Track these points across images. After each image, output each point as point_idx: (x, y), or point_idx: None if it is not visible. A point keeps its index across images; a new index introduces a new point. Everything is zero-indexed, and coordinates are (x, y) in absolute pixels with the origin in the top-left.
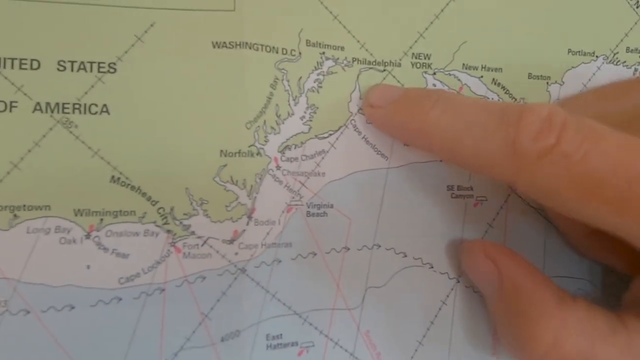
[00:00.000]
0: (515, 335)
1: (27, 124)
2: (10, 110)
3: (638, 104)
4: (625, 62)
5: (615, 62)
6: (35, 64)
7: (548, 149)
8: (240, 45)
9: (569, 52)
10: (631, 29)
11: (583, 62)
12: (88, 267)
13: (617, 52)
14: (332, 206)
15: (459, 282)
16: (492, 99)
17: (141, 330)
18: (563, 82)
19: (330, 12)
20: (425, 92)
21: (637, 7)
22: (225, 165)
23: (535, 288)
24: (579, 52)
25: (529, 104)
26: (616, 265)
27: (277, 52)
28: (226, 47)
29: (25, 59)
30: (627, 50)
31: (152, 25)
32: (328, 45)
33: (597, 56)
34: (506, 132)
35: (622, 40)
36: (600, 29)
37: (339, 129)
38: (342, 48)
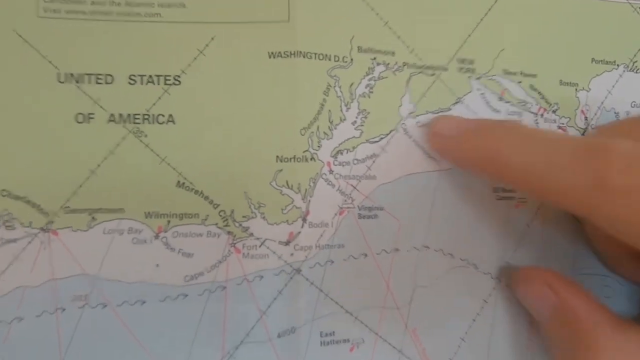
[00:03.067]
0: None
1: (103, 133)
2: (88, 122)
3: None
4: None
5: (635, 70)
6: (109, 79)
7: (638, 184)
8: (294, 54)
9: (592, 61)
10: None
11: (606, 71)
12: (157, 265)
13: (636, 61)
14: (382, 208)
15: (500, 281)
16: (530, 103)
17: (205, 324)
18: (590, 89)
19: (381, 19)
20: (499, 122)
21: None
22: (281, 170)
23: (592, 314)
24: (602, 61)
25: (611, 140)
26: None
27: (329, 60)
28: (281, 56)
29: (101, 74)
30: None
31: (212, 38)
32: (379, 51)
33: (618, 65)
34: (593, 165)
35: (639, 50)
36: (619, 40)
37: (389, 132)
38: (393, 53)
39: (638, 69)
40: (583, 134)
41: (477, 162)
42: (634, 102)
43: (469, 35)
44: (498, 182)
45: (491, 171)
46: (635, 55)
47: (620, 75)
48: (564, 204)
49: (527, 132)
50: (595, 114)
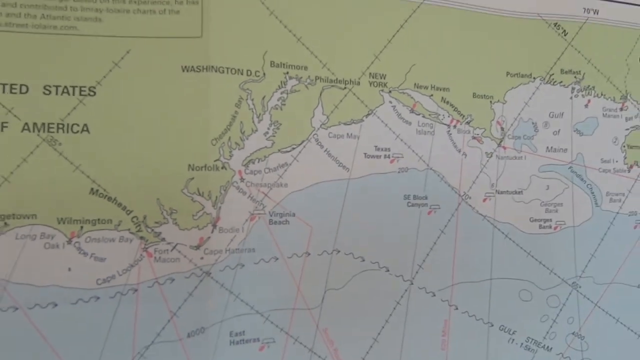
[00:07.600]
0: None
1: (17, 142)
2: (2, 130)
3: None
4: (561, 82)
5: (552, 83)
6: (24, 89)
7: None
8: (207, 68)
9: (507, 74)
10: (562, 53)
11: (522, 84)
12: (69, 269)
13: (553, 74)
14: (294, 215)
15: (412, 284)
16: (442, 115)
17: (117, 325)
18: (505, 101)
19: (294, 35)
20: None
21: (565, 35)
22: (192, 179)
23: None
24: (517, 74)
25: None
26: None
27: (242, 74)
28: (194, 70)
29: (15, 84)
30: (562, 72)
31: (128, 52)
32: (292, 66)
33: (534, 78)
34: None
35: (555, 64)
36: (534, 54)
37: (301, 143)
38: (306, 68)
39: (555, 81)
40: (499, 144)
41: None
42: (552, 112)
43: (381, 52)
44: None
45: None
46: (551, 69)
47: (537, 88)
48: None
49: None
50: (512, 125)
